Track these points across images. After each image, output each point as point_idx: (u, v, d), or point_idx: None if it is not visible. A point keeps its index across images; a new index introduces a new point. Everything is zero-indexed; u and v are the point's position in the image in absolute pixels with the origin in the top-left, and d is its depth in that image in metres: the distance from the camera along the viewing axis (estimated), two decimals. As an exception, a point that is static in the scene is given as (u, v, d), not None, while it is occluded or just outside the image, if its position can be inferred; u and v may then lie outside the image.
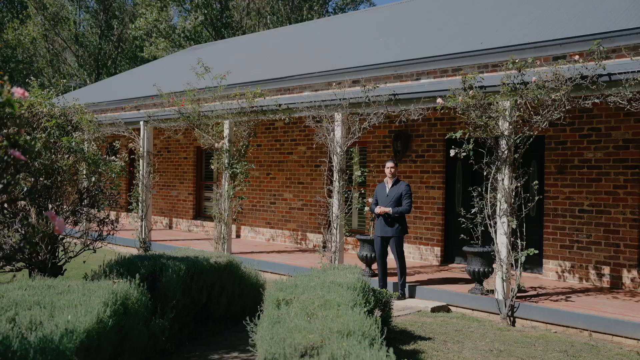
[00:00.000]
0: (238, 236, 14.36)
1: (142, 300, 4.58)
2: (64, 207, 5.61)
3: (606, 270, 8.97)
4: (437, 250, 10.96)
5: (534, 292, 8.31)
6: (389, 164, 8.59)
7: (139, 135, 13.49)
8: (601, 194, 9.04)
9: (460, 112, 7.78)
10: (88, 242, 5.98)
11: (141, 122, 13.44)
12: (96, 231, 6.15)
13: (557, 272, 9.48)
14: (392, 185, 8.54)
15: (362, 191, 10.96)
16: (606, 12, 9.89)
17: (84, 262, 6.41)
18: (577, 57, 7.04)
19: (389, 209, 8.37)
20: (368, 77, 11.38)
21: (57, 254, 5.70)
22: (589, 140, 9.20)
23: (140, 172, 13.18)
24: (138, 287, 4.63)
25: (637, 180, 8.74)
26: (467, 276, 9.52)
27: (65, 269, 5.92)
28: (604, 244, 8.99)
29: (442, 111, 8.22)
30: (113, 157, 5.95)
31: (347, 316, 3.90)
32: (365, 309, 4.56)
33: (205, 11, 39.05)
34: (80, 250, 5.99)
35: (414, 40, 12.55)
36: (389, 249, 8.62)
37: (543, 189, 9.45)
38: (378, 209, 8.45)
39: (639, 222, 8.72)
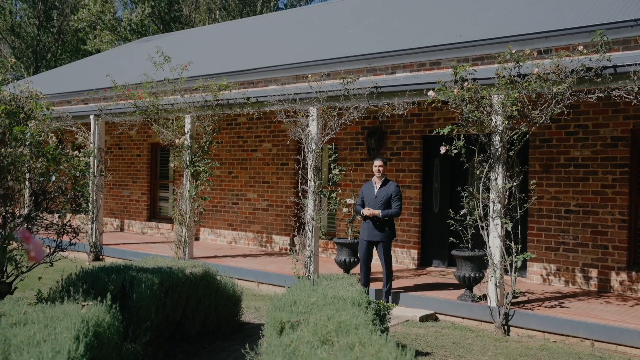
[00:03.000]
0: (197, 239, 13.47)
1: (114, 325, 3.77)
2: (16, 212, 4.69)
3: (594, 273, 8.63)
4: (414, 253, 10.43)
5: (525, 298, 7.85)
6: (378, 163, 7.96)
7: (89, 131, 12.43)
8: (588, 194, 8.70)
9: (453, 106, 7.22)
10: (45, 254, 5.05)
11: (92, 117, 12.38)
12: (55, 240, 5.22)
13: (541, 276, 9.09)
14: (381, 186, 7.91)
15: (339, 190, 10.30)
16: (590, 5, 9.57)
17: (40, 278, 5.47)
18: (581, 47, 6.59)
19: (378, 212, 7.74)
20: (339, 70, 10.71)
21: (4, 270, 4.78)
22: (575, 137, 8.84)
23: (91, 171, 12.11)
24: (110, 309, 3.82)
25: (626, 179, 8.42)
26: (449, 280, 9.02)
27: (16, 287, 4.99)
28: (592, 246, 8.65)
29: (433, 105, 7.65)
30: (76, 151, 5.04)
31: (376, 345, 3.23)
32: (383, 330, 3.91)
33: (153, 3, 37.50)
34: (34, 264, 5.09)
35: (388, 33, 11.99)
36: (374, 254, 8.00)
37: (527, 188, 9.04)
38: (366, 211, 7.80)
39: (628, 223, 8.41)
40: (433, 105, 7.61)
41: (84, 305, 3.65)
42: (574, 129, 8.84)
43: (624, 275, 8.38)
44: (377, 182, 7.96)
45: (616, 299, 8.00)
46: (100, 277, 4.69)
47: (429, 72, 10.08)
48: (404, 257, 10.49)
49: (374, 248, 7.96)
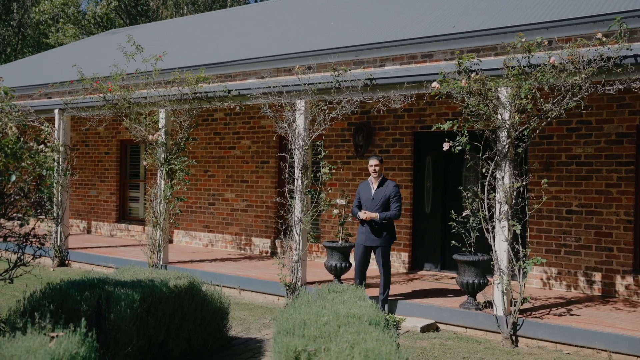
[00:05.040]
0: (170, 241, 12.67)
1: (90, 358, 3.08)
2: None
3: (597, 276, 8.19)
4: (405, 256, 9.87)
5: (530, 305, 7.34)
6: (373, 162, 7.33)
7: (53, 126, 11.53)
8: (592, 193, 8.25)
9: (459, 98, 6.66)
10: (1, 272, 4.23)
11: (56, 111, 11.50)
12: (15, 252, 4.42)
13: (542, 280, 8.62)
14: (379, 186, 7.29)
15: (330, 190, 9.67)
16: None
17: (-3, 297, 4.72)
18: (599, 35, 6.09)
19: (375, 215, 7.13)
20: (325, 62, 10.10)
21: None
22: (578, 134, 8.39)
23: (56, 169, 11.23)
24: (85, 338, 3.12)
25: (632, 178, 8.00)
26: (445, 286, 8.50)
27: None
28: (595, 248, 8.21)
29: (436, 97, 7.08)
30: (42, 145, 4.27)
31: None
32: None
33: (120, -4, 36.22)
34: (-11, 280, 4.30)
35: (375, 24, 11.40)
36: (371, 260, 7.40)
37: (526, 187, 8.56)
38: (364, 215, 7.18)
39: (634, 224, 7.99)
40: (436, 97, 7.04)
41: (52, 337, 2.94)
42: (576, 125, 8.38)
43: (629, 279, 7.96)
44: (373, 182, 7.35)
45: (624, 304, 7.56)
46: (71, 294, 3.97)
47: (421, 65, 9.54)
48: (394, 261, 9.91)
49: (372, 253, 7.36)
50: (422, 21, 10.61)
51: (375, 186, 7.30)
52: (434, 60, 9.52)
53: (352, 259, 8.15)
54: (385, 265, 7.25)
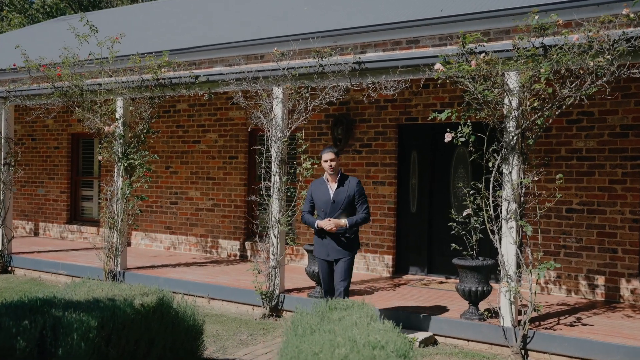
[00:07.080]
0: (128, 244, 11.57)
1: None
2: None
3: (600, 280, 7.59)
4: (388, 259, 9.09)
5: (535, 314, 6.64)
6: (328, 156, 5.88)
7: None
8: (594, 190, 7.64)
9: (466, 83, 5.90)
10: None
11: (-3, 100, 10.28)
12: None
13: (539, 284, 7.95)
14: (339, 186, 5.91)
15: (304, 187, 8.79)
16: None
17: None
18: (625, 11, 5.42)
19: (344, 222, 5.77)
20: (299, 49, 9.23)
21: None
22: (579, 126, 7.77)
23: (-3, 165, 10.05)
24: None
25: (637, 173, 7.42)
26: (436, 292, 7.75)
27: None
28: (598, 250, 7.60)
29: (439, 82, 6.30)
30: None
31: None
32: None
33: (70, -15, 34.48)
34: None
35: (355, 8, 10.59)
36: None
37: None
38: (329, 224, 5.74)
39: (641, 223, 7.42)
40: (439, 82, 6.28)
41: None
42: (577, 116, 7.76)
43: (636, 283, 7.37)
44: (330, 181, 5.97)
45: (634, 311, 6.96)
46: (4, 325, 2.98)
47: (405, 52, 8.78)
48: (377, 264, 9.13)
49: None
50: (406, 4, 9.85)
51: (335, 186, 5.93)
52: (420, 46, 8.77)
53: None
54: (347, 276, 5.91)
